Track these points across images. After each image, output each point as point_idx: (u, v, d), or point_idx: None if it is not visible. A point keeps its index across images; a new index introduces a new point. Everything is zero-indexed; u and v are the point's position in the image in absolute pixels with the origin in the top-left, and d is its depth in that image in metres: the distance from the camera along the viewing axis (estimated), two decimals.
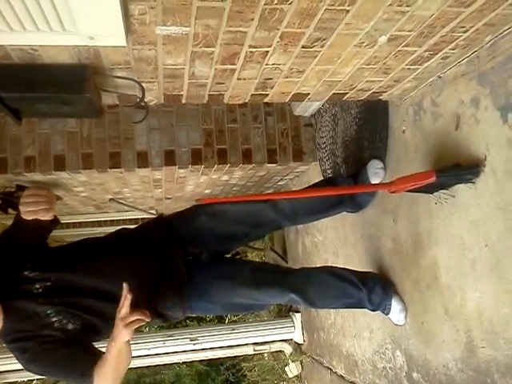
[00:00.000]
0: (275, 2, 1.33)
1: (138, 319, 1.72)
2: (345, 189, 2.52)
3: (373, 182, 2.46)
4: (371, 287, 2.40)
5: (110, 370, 1.77)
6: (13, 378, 4.58)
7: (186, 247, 2.19)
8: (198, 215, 2.27)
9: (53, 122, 2.80)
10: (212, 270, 2.19)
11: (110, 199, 4.04)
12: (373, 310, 2.47)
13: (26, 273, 1.88)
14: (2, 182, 3.00)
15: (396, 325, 2.47)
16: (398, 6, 1.39)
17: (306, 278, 2.39)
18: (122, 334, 1.70)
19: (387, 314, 2.44)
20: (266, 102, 2.17)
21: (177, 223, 2.25)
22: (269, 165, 3.24)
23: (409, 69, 1.87)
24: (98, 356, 1.83)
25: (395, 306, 2.41)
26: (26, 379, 6.19)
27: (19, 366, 1.93)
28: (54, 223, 2.22)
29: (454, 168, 1.89)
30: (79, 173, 2.95)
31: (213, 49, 1.56)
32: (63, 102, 1.65)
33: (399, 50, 1.69)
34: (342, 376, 3.41)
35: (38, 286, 1.86)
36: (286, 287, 2.26)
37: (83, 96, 1.61)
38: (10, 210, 3.31)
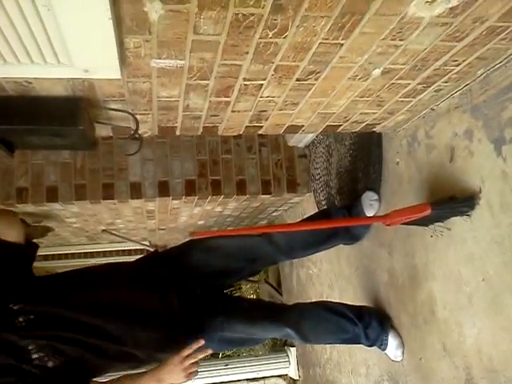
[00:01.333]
0: (270, 35, 1.34)
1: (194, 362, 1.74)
2: (340, 221, 2.50)
3: (368, 214, 2.45)
4: (367, 322, 2.36)
5: None
6: None
7: (181, 282, 2.15)
8: (192, 250, 2.24)
9: (46, 153, 2.80)
10: (207, 305, 2.15)
11: (103, 230, 4.01)
12: (369, 346, 2.42)
13: (11, 305, 1.83)
14: None
15: (393, 361, 2.43)
16: (392, 40, 1.40)
17: (301, 313, 2.35)
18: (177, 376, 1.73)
19: (384, 349, 2.40)
20: (260, 134, 2.17)
21: (171, 258, 2.22)
22: (263, 196, 3.24)
23: (402, 101, 1.88)
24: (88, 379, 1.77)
25: (392, 341, 2.37)
26: None
27: None
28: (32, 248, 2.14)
29: (449, 201, 1.88)
30: (72, 204, 2.93)
31: (207, 81, 1.57)
32: (56, 135, 1.64)
33: (393, 83, 1.70)
34: None
35: (21, 320, 1.80)
36: (280, 322, 2.23)
37: (76, 128, 1.60)
38: None
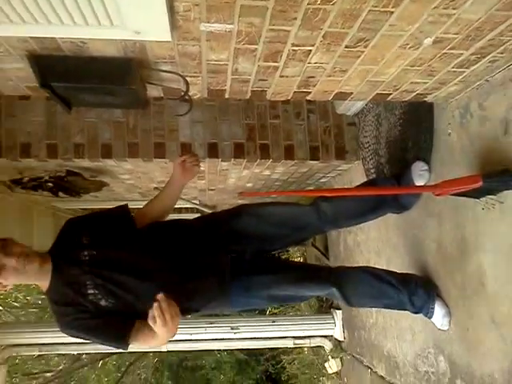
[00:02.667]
0: (318, 2, 1.33)
1: None
2: (388, 189, 2.48)
3: (417, 184, 2.42)
4: (413, 290, 2.37)
5: (151, 336, 1.83)
6: (63, 350, 4.82)
7: (231, 245, 2.23)
8: (243, 215, 2.32)
9: (99, 111, 2.90)
10: (254, 266, 2.23)
11: (155, 188, 4.13)
12: (415, 313, 2.43)
13: (83, 238, 1.98)
14: (52, 167, 3.12)
15: (439, 329, 2.42)
16: (444, 8, 1.37)
17: (344, 275, 2.41)
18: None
19: (430, 317, 2.40)
20: (309, 100, 2.17)
21: (224, 222, 2.30)
22: (311, 162, 3.23)
23: (454, 72, 1.83)
24: (131, 324, 1.90)
25: (438, 310, 2.37)
26: (75, 353, 6.41)
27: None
28: None
29: (501, 173, 1.83)
30: (125, 161, 3.03)
31: (256, 46, 1.58)
32: (109, 93, 1.72)
33: (444, 53, 1.65)
34: (382, 376, 3.37)
35: (85, 253, 1.94)
36: (325, 282, 2.30)
37: (128, 88, 1.67)
38: (60, 194, 3.46)
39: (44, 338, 4.37)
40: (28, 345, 4.54)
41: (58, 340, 4.37)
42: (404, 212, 2.69)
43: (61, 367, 8.33)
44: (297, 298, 2.42)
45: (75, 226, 2.08)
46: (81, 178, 3.38)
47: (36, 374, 8.22)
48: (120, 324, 1.92)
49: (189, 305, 2.04)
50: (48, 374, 8.24)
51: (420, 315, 2.44)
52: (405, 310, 2.43)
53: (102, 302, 1.91)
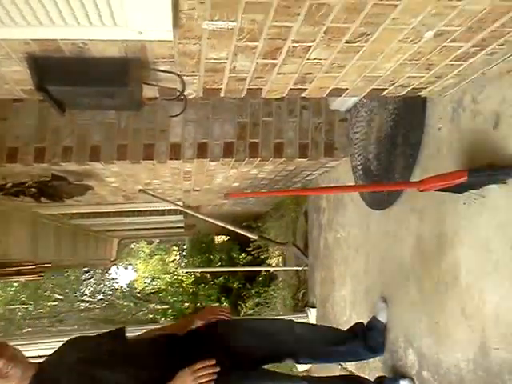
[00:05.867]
0: None
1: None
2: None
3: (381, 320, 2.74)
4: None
5: None
6: None
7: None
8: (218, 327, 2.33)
9: (93, 113, 2.85)
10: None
11: (140, 190, 4.09)
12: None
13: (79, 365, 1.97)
14: (37, 172, 3.05)
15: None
16: (449, 0, 1.37)
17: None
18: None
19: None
20: (303, 96, 2.16)
21: (198, 336, 2.28)
22: (299, 159, 3.24)
23: (452, 65, 1.84)
24: None
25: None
26: None
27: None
28: None
29: (487, 168, 1.85)
30: (113, 163, 2.99)
31: (256, 43, 1.56)
32: (106, 95, 1.67)
33: (444, 46, 1.66)
34: (352, 372, 3.40)
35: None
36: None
37: (126, 89, 1.63)
38: (42, 199, 3.39)
39: None
40: None
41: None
42: (373, 356, 2.82)
43: None
44: None
45: (73, 352, 2.05)
46: (66, 183, 3.32)
47: None
48: None
49: None
50: None
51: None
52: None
53: None
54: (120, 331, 2.19)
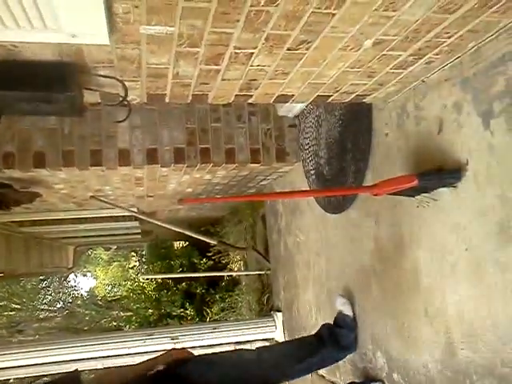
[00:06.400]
0: (261, 3, 1.32)
1: None
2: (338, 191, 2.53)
3: (345, 312, 2.73)
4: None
5: None
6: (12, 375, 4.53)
7: None
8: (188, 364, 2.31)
9: (34, 119, 2.76)
10: None
11: (91, 196, 4.00)
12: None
13: None
14: None
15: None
16: (384, 10, 1.39)
17: None
18: None
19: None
20: (250, 102, 2.16)
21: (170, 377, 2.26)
22: (252, 165, 3.23)
23: (393, 72, 1.87)
24: None
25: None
26: (22, 376, 6.08)
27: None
28: None
29: (436, 172, 1.90)
30: (59, 170, 2.90)
31: (197, 49, 1.55)
32: (44, 101, 1.62)
33: (384, 54, 1.69)
34: (322, 376, 3.41)
35: None
36: None
37: (65, 95, 1.59)
38: None
39: None
40: None
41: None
42: (346, 354, 2.80)
43: None
44: None
45: None
46: (12, 190, 3.21)
47: None
48: None
49: None
50: None
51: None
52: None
53: None
54: (74, 378, 2.14)
